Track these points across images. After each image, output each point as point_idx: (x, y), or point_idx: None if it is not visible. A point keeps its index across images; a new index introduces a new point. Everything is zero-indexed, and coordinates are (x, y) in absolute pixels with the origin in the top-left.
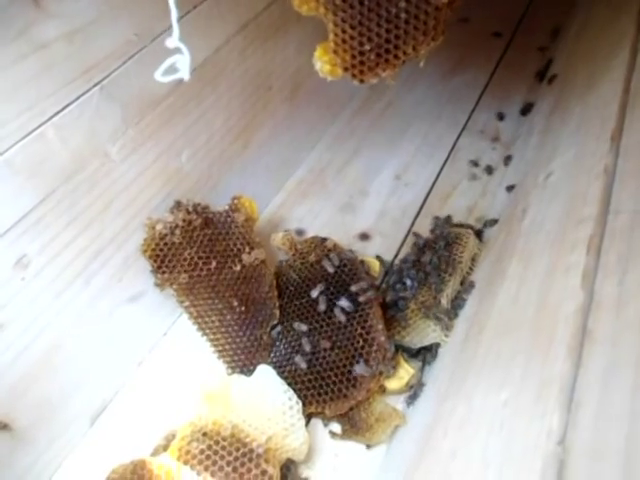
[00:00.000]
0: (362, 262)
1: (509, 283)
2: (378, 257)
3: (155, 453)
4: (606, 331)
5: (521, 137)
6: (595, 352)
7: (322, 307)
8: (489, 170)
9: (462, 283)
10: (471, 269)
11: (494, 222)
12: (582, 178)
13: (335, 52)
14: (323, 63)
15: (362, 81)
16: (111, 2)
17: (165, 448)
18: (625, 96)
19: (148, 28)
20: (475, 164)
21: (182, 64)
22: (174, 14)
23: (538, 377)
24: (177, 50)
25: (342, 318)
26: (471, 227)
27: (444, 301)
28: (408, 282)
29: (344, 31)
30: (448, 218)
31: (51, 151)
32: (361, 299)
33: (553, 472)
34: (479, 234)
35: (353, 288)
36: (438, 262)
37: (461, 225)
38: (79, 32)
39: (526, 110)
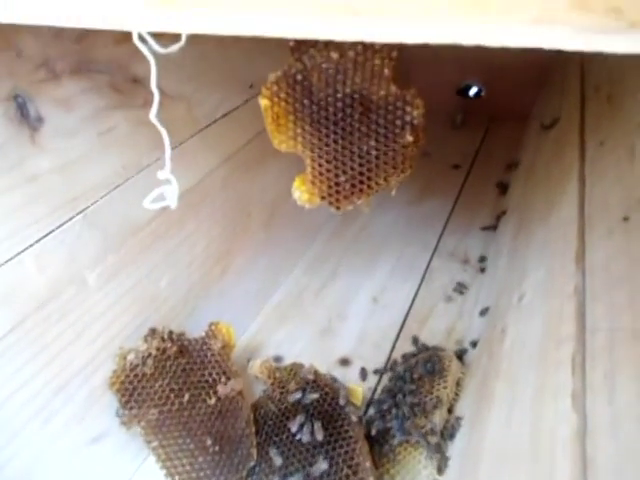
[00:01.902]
0: (344, 389)
1: (498, 409)
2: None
3: None
4: (607, 458)
5: (490, 259)
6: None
7: (305, 438)
8: (463, 291)
9: (450, 410)
10: (457, 394)
11: (473, 345)
12: (555, 298)
13: (312, 183)
14: (301, 192)
15: (338, 208)
16: (103, 138)
17: None
18: (581, 219)
19: (136, 161)
20: (449, 286)
21: (170, 194)
22: (168, 150)
23: None
24: (165, 181)
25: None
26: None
27: (433, 431)
28: (393, 412)
29: (320, 165)
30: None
31: (26, 278)
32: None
33: None
34: (461, 357)
35: (341, 401)
36: (423, 389)
37: (441, 349)
38: (70, 165)
39: (489, 231)
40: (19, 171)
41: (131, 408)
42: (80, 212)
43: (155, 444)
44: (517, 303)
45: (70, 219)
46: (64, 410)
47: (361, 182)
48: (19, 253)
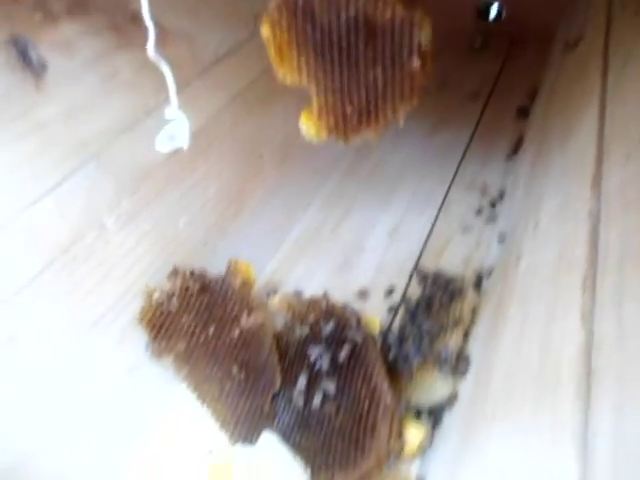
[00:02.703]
0: (360, 320)
1: (510, 332)
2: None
3: None
4: (611, 369)
5: (508, 188)
6: (603, 392)
7: (325, 366)
8: (480, 221)
9: (466, 334)
10: (472, 321)
11: (489, 273)
12: (570, 223)
13: (319, 116)
14: (308, 127)
15: (347, 141)
16: (108, 81)
17: None
18: (600, 142)
19: (142, 103)
20: (466, 217)
21: (181, 133)
22: (172, 86)
23: (549, 425)
24: (174, 120)
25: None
26: (459, 278)
27: (449, 354)
28: (410, 339)
29: (326, 97)
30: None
31: (50, 223)
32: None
33: None
34: (477, 285)
35: (357, 326)
36: (439, 316)
37: (458, 277)
38: (76, 110)
39: (507, 161)
40: (26, 119)
41: (160, 341)
42: (92, 157)
43: (185, 373)
44: (533, 230)
45: (83, 165)
46: (98, 345)
47: (368, 113)
48: (40, 199)
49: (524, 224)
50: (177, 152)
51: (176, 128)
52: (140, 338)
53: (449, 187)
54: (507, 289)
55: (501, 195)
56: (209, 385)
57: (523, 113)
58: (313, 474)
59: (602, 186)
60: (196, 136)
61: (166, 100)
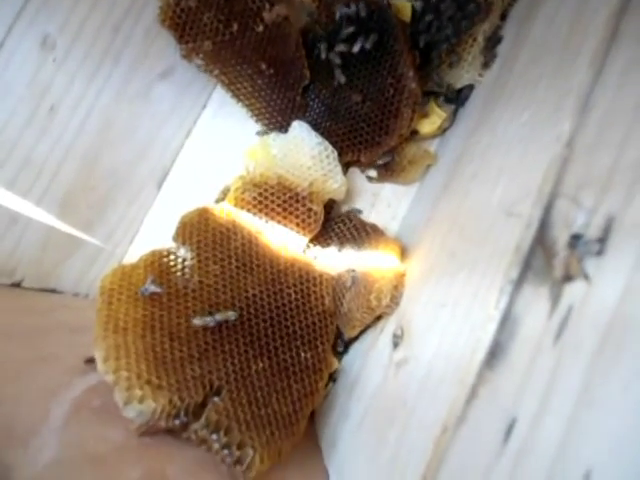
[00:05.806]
0: (390, 5)
1: (545, 10)
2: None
3: None
4: (637, 30)
5: None
6: (617, 55)
7: (354, 49)
8: None
9: (503, 17)
10: (511, 1)
11: None
12: None
13: None
14: None
15: None
16: None
17: (222, 199)
18: None
19: None
20: None
21: None
22: None
23: (559, 92)
24: None
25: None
26: None
27: (480, 38)
28: (443, 23)
29: None
30: None
31: None
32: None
33: (556, 169)
34: None
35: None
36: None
37: None
38: None
39: None
40: None
41: (187, 42)
42: None
43: (217, 72)
44: None
45: None
46: (128, 49)
47: None
48: None
49: None
50: None
51: None
52: (167, 43)
53: None
54: None
55: None
56: (241, 83)
57: None
58: (341, 154)
59: None
60: None
61: None
